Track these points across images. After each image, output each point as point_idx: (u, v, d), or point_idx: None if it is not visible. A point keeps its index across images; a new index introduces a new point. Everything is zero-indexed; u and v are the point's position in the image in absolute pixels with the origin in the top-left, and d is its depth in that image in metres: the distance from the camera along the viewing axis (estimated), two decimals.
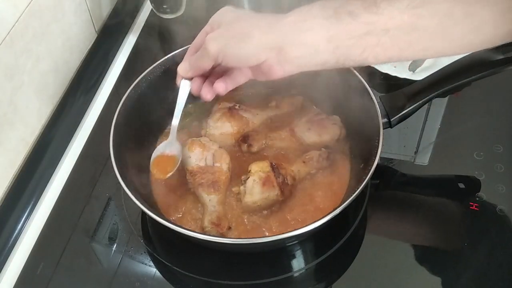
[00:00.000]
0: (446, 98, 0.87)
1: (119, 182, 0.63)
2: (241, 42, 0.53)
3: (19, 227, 0.74)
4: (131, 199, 0.61)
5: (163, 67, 0.76)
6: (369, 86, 0.70)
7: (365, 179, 0.61)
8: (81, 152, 0.83)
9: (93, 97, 0.92)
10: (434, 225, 0.72)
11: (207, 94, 0.60)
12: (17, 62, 0.75)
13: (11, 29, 0.72)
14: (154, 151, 0.69)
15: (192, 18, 1.04)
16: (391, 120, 0.69)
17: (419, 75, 0.84)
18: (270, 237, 0.61)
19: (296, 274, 0.69)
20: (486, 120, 0.83)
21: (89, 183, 0.78)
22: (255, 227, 0.68)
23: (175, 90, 0.76)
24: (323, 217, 0.58)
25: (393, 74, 0.87)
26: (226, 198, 0.70)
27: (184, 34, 1.00)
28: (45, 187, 0.79)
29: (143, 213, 0.66)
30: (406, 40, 0.50)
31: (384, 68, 0.88)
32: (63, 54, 0.88)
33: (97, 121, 0.88)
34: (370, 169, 0.62)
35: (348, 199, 0.59)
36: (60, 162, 0.82)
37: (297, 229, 0.58)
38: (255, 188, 0.67)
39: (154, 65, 0.76)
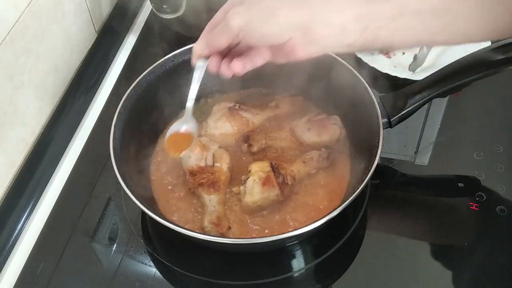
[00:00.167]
0: (446, 98, 0.87)
1: (119, 182, 0.63)
2: (267, 18, 0.49)
3: (19, 227, 0.74)
4: (131, 199, 0.61)
5: (163, 67, 0.76)
6: (369, 86, 0.70)
7: (365, 179, 0.61)
8: (81, 152, 0.83)
9: (93, 97, 0.92)
10: (434, 225, 0.72)
11: (226, 71, 0.56)
12: (17, 62, 0.75)
13: (11, 29, 0.72)
14: (169, 129, 0.66)
15: (192, 18, 1.04)
16: (391, 120, 0.69)
17: (419, 75, 0.84)
18: (270, 237, 0.61)
19: (296, 274, 0.69)
20: (486, 120, 0.83)
21: (89, 183, 0.78)
22: (255, 227, 0.68)
23: (175, 90, 0.77)
24: (323, 217, 0.58)
25: (393, 74, 0.87)
26: (226, 198, 0.70)
27: (184, 34, 1.00)
28: (45, 187, 0.79)
29: (143, 213, 0.66)
30: (438, 23, 0.48)
31: (384, 68, 0.88)
32: (63, 54, 0.88)
33: (97, 121, 0.88)
34: (370, 169, 0.62)
35: (348, 199, 0.59)
36: (60, 162, 0.82)
37: (297, 229, 0.58)
38: (255, 188, 0.67)
39: (154, 65, 0.76)
